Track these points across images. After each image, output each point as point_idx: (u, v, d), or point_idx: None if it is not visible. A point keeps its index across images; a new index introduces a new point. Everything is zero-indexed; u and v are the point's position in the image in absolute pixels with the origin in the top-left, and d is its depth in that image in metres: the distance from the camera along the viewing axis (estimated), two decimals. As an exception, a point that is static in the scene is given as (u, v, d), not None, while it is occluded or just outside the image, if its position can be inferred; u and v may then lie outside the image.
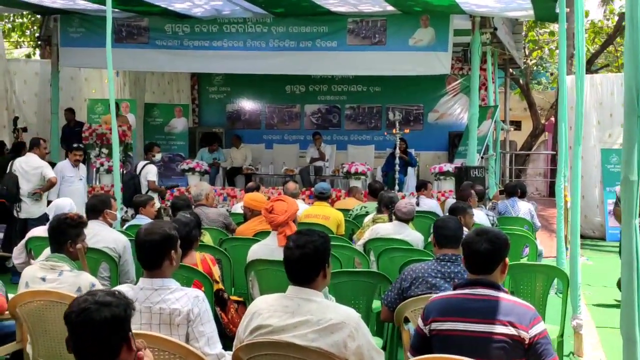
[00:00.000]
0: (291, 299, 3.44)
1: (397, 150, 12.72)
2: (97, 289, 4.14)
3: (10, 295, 4.75)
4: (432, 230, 4.83)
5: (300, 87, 17.68)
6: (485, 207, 10.53)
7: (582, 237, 8.30)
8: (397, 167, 12.74)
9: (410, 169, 14.43)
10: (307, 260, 3.47)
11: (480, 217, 8.36)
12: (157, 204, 8.57)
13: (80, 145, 11.18)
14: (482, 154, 12.83)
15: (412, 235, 6.82)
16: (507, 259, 3.56)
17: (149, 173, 10.98)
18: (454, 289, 3.56)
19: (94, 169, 12.87)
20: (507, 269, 3.57)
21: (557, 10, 9.36)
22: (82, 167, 10.86)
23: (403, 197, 11.17)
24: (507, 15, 12.98)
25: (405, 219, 6.94)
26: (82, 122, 14.15)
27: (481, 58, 12.68)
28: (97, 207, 6.11)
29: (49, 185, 9.70)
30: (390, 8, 11.71)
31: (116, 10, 11.69)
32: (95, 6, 11.95)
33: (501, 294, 3.40)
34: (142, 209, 7.63)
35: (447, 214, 7.10)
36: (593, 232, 14.12)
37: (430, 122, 17.10)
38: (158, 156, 11.51)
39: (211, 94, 18.54)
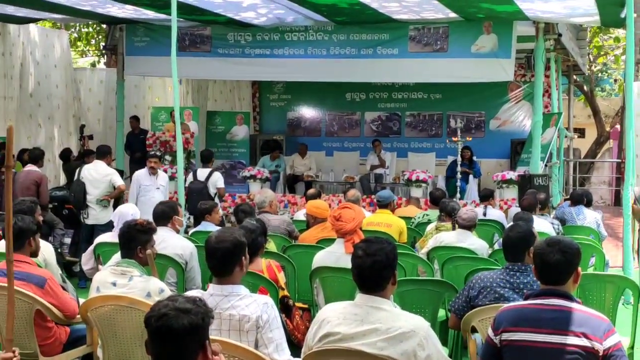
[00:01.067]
0: (360, 307, 3.44)
1: (459, 158, 12.61)
2: (168, 294, 4.22)
3: (80, 300, 4.85)
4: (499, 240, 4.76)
5: (360, 94, 17.67)
6: (549, 215, 10.36)
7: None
8: (459, 175, 12.64)
9: (472, 177, 14.28)
10: (379, 268, 3.46)
11: (545, 226, 8.24)
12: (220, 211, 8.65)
13: (156, 153, 11.02)
14: (545, 161, 12.63)
15: (477, 243, 6.75)
16: (579, 269, 3.50)
17: (218, 180, 11.08)
18: (526, 299, 3.50)
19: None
20: (580, 279, 3.51)
21: (623, 16, 9.21)
22: (162, 176, 10.45)
23: (465, 205, 11.11)
24: (573, 21, 12.79)
25: (468, 225, 6.88)
26: (146, 130, 14.40)
27: (545, 64, 12.51)
28: (166, 213, 6.21)
29: (118, 192, 9.85)
30: (452, 15, 11.64)
31: (180, 19, 11.86)
32: (161, 16, 12.15)
33: (574, 305, 3.34)
34: (208, 216, 7.71)
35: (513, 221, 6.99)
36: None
37: (492, 130, 16.91)
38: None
39: (272, 101, 18.65)
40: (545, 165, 12.69)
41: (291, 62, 13.03)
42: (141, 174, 10.34)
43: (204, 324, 2.72)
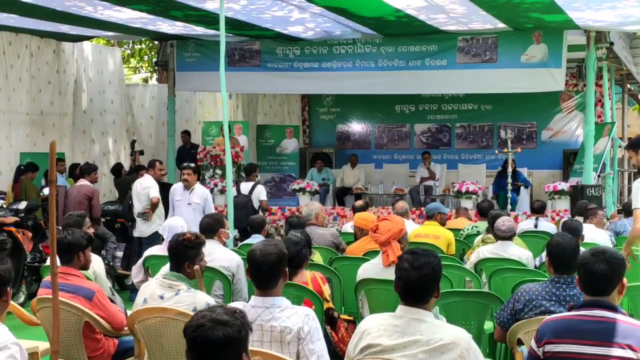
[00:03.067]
0: (401, 318, 3.42)
1: (510, 169, 12.49)
2: (218, 305, 4.27)
3: (129, 312, 4.93)
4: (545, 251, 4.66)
5: (410, 106, 17.62)
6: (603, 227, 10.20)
7: None
8: (510, 187, 12.51)
9: (523, 188, 14.09)
10: (425, 281, 3.44)
11: (601, 236, 8.11)
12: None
13: (190, 164, 10.25)
14: (598, 172, 12.44)
15: (518, 252, 6.68)
16: (624, 280, 3.44)
17: (261, 193, 11.18)
18: (569, 310, 3.46)
19: (208, 190, 13.17)
20: (625, 290, 3.45)
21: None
22: (198, 192, 9.71)
23: (516, 218, 10.99)
24: (625, 30, 12.62)
25: (506, 236, 6.80)
26: (197, 144, 14.57)
27: (597, 74, 12.34)
28: (212, 226, 6.30)
29: (152, 205, 9.98)
30: (501, 25, 11.57)
31: (229, 34, 12.01)
32: (210, 31, 12.31)
33: (619, 316, 3.28)
34: (261, 232, 7.76)
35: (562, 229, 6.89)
36: None
37: (544, 140, 16.72)
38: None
39: (321, 114, 18.73)
40: (598, 176, 12.50)
41: (339, 75, 13.08)
42: (176, 187, 9.90)
43: (241, 337, 2.72)
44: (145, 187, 10.00)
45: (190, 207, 9.47)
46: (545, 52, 11.84)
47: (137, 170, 11.36)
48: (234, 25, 11.54)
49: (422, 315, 3.41)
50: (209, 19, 11.11)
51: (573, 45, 12.10)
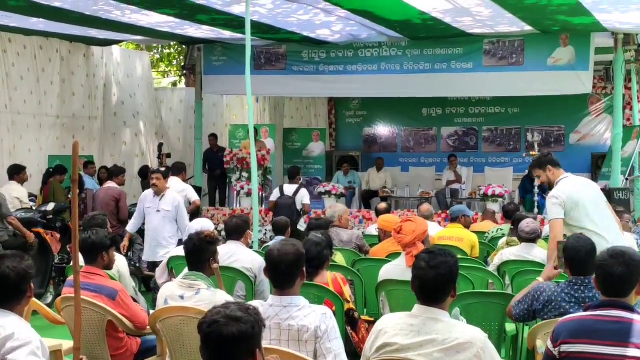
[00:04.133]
0: (417, 318, 3.44)
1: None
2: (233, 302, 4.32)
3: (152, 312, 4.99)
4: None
5: (436, 109, 17.62)
6: (630, 230, 10.10)
7: None
8: (537, 190, 12.43)
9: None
10: (442, 281, 3.46)
11: (630, 241, 8.03)
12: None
13: (160, 169, 9.54)
14: (627, 175, 12.33)
15: (542, 254, 6.62)
16: None
17: (305, 197, 11.15)
18: (586, 310, 3.46)
19: (235, 192, 13.28)
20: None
21: None
22: (169, 199, 8.82)
23: (542, 221, 10.91)
24: (653, 32, 12.48)
25: (530, 238, 6.75)
26: (224, 148, 14.66)
27: (625, 76, 12.24)
28: (241, 227, 6.38)
29: (194, 207, 10.04)
30: (528, 28, 11.53)
31: (255, 38, 12.09)
32: (237, 35, 12.39)
33: (636, 316, 3.28)
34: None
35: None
36: None
37: (572, 144, 16.61)
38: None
39: (348, 118, 18.77)
40: (627, 179, 12.39)
41: (365, 79, 13.11)
42: (147, 193, 9.14)
43: (254, 333, 2.77)
44: (180, 190, 10.02)
45: (159, 214, 8.75)
46: (573, 55, 11.78)
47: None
48: (260, 29, 11.62)
49: (438, 314, 3.43)
50: (235, 23, 11.19)
51: (601, 47, 12.02)
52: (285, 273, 3.78)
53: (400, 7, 10.06)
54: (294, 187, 11.28)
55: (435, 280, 3.45)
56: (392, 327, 3.49)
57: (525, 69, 12.17)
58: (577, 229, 5.58)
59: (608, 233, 5.67)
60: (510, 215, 8.94)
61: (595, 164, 15.49)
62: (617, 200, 10.95)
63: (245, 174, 13.19)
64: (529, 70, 12.15)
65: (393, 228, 5.62)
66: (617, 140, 11.77)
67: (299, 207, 11.05)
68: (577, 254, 4.39)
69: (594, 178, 14.62)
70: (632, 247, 7.72)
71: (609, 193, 11.24)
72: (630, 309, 3.32)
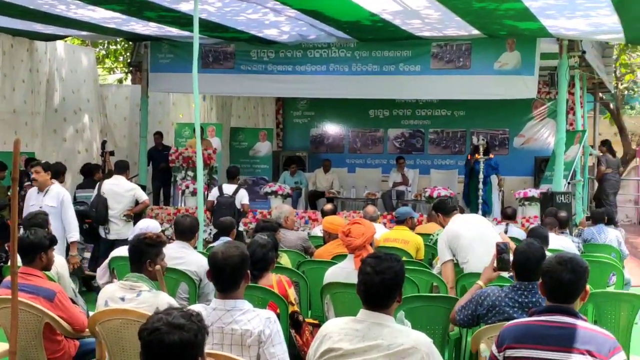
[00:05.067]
0: (362, 323, 3.42)
1: (481, 175, 12.53)
2: (175, 307, 4.24)
3: (91, 314, 4.88)
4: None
5: (384, 111, 17.70)
6: (571, 233, 10.27)
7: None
8: (481, 192, 12.55)
9: (494, 196, 14.12)
10: (387, 286, 3.44)
11: (567, 243, 8.16)
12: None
13: (40, 161, 8.98)
14: (569, 179, 12.53)
15: None
16: (588, 287, 3.46)
17: (244, 197, 11.16)
18: (530, 316, 3.46)
19: (180, 191, 13.15)
20: (588, 297, 3.46)
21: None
22: (53, 192, 8.36)
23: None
24: (597, 39, 12.71)
25: None
26: (169, 146, 14.50)
27: (569, 82, 12.43)
28: (194, 228, 6.27)
29: (142, 207, 9.93)
30: (475, 32, 11.61)
31: (203, 36, 11.96)
32: (184, 33, 12.24)
33: (579, 322, 3.30)
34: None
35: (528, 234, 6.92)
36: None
37: (516, 147, 16.86)
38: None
39: (295, 118, 18.74)
40: (569, 183, 12.58)
41: (314, 79, 13.07)
42: (31, 191, 8.64)
43: (197, 341, 2.70)
44: (129, 189, 9.88)
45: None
46: (519, 60, 11.91)
47: (111, 172, 11.24)
48: (208, 27, 11.48)
49: (383, 319, 3.41)
50: (183, 20, 11.04)
51: (546, 53, 12.16)
52: (230, 276, 3.72)
53: (350, 7, 10.04)
54: (233, 186, 11.28)
55: (381, 286, 3.43)
56: (336, 332, 3.45)
57: (472, 72, 12.26)
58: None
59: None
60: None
61: (539, 168, 15.73)
62: (559, 203, 11.12)
63: (190, 173, 13.09)
64: (475, 74, 12.23)
65: (341, 230, 5.58)
66: (560, 144, 11.94)
67: (238, 206, 11.03)
68: (527, 260, 4.41)
69: (537, 181, 14.91)
70: (572, 249, 7.90)
71: (551, 196, 11.43)
72: (574, 315, 3.33)
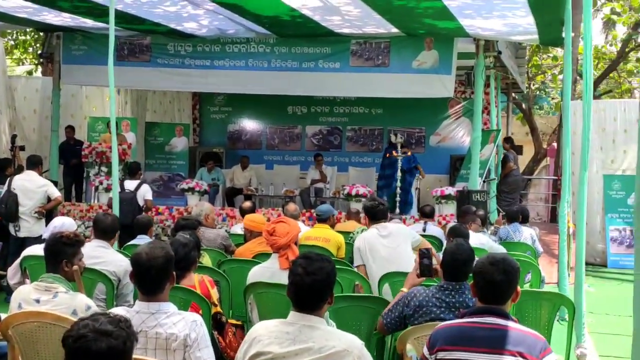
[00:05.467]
0: (293, 325, 3.33)
1: (399, 173, 12.62)
2: (95, 311, 4.06)
3: (3, 315, 4.63)
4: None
5: (302, 108, 17.67)
6: (487, 231, 10.42)
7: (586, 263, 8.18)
8: (399, 190, 12.64)
9: (412, 194, 14.24)
10: (319, 287, 3.37)
11: (485, 240, 8.27)
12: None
13: None
14: (484, 178, 12.73)
15: None
16: (519, 288, 3.46)
17: (147, 192, 11.01)
18: (462, 317, 3.44)
19: (93, 187, 12.79)
20: (519, 298, 3.46)
21: (563, 35, 9.34)
22: None
23: (404, 221, 11.10)
24: (512, 39, 12.94)
25: None
26: (81, 141, 14.09)
27: (484, 82, 12.62)
28: (115, 228, 6.03)
29: (55, 203, 9.62)
30: (394, 30, 11.67)
31: (119, 28, 11.64)
32: (99, 24, 11.90)
33: (510, 323, 3.29)
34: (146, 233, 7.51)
35: (450, 236, 6.94)
36: (595, 259, 13.96)
37: (432, 145, 17.08)
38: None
39: (212, 113, 18.50)
40: (484, 182, 12.79)
41: (232, 74, 12.88)
42: None
43: (125, 349, 2.56)
44: (40, 185, 9.57)
45: None
46: (436, 59, 12.02)
47: (21, 168, 10.85)
48: (124, 18, 11.17)
49: (314, 322, 3.33)
50: (98, 11, 10.72)
51: (463, 52, 12.31)
52: (155, 278, 3.58)
53: (270, 1, 9.93)
54: (135, 182, 11.12)
55: (312, 287, 3.36)
56: (266, 334, 3.35)
57: (390, 70, 12.31)
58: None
59: None
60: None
61: (454, 166, 15.95)
62: (475, 201, 11.29)
63: (104, 169, 12.73)
64: (394, 72, 12.29)
65: (265, 229, 5.47)
66: (476, 143, 12.11)
67: (140, 202, 10.85)
68: (455, 261, 4.41)
69: (452, 179, 15.11)
70: (490, 245, 8.02)
71: (467, 195, 11.60)
72: (505, 316, 3.33)
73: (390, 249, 6.32)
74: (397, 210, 12.37)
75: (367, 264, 6.24)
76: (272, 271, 5.25)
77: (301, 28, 11.62)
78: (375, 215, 6.78)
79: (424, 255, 4.85)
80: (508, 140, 16.16)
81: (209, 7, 10.54)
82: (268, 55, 12.70)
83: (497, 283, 3.36)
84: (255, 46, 12.72)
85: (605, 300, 10.35)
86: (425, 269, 4.80)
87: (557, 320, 7.00)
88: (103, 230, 5.97)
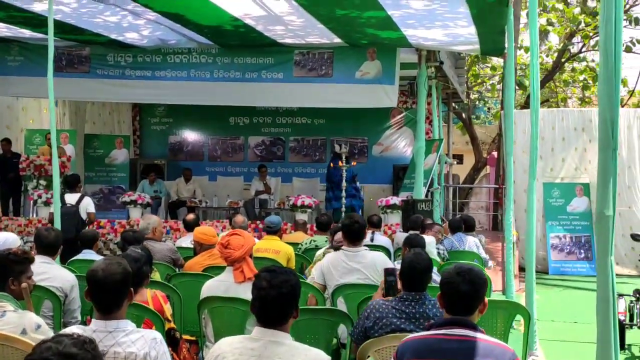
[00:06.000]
0: (257, 341, 3.24)
1: (344, 184, 12.62)
2: (46, 329, 3.92)
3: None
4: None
5: (244, 118, 17.57)
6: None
7: (524, 270, 8.29)
8: (344, 201, 12.63)
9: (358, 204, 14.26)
10: (284, 301, 3.28)
11: (433, 249, 8.29)
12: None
13: None
14: (427, 187, 12.81)
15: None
16: (486, 299, 3.43)
17: (89, 205, 10.80)
18: (429, 329, 3.40)
19: (31, 201, 12.46)
20: (486, 309, 3.44)
21: (506, 45, 9.48)
22: None
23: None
24: (454, 49, 13.09)
25: None
26: (18, 153, 13.71)
27: (426, 92, 12.72)
28: (58, 242, 5.84)
29: None
30: (337, 40, 11.68)
31: (57, 38, 11.39)
32: (37, 34, 11.63)
33: (478, 334, 3.26)
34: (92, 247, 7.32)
35: (406, 246, 6.89)
36: (536, 266, 14.09)
37: (375, 155, 17.15)
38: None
39: (153, 125, 18.27)
40: (428, 191, 12.88)
41: (173, 85, 12.72)
42: None
43: None
44: None
45: None
46: (379, 69, 12.07)
47: None
48: (62, 28, 10.95)
49: (279, 337, 3.25)
50: (35, 21, 10.49)
51: (405, 63, 12.40)
52: (112, 295, 3.44)
53: (212, 11, 9.83)
54: (76, 195, 10.87)
55: (278, 300, 3.28)
56: (230, 351, 3.26)
57: (334, 81, 12.33)
58: None
59: None
60: (324, 226, 8.99)
61: (397, 176, 16.01)
62: (420, 211, 11.33)
63: (42, 182, 12.42)
64: (337, 82, 12.31)
65: (219, 242, 5.35)
66: (420, 153, 12.19)
67: (83, 216, 10.63)
68: (413, 269, 4.37)
69: (395, 189, 15.17)
70: (436, 257, 8.04)
71: (412, 204, 11.64)
72: (474, 327, 3.29)
73: (358, 279, 6.06)
74: (343, 220, 12.34)
75: (328, 284, 6.07)
76: (226, 285, 5.13)
77: (244, 38, 11.55)
78: (349, 234, 6.07)
79: (389, 273, 4.80)
80: None
81: (150, 17, 10.40)
82: (210, 66, 12.60)
83: (463, 293, 3.33)
84: (197, 56, 12.61)
85: (550, 307, 10.48)
86: (390, 288, 4.75)
87: (513, 328, 7.04)
88: (47, 245, 5.79)
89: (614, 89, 3.26)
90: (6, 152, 13.97)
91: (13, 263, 4.32)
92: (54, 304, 5.40)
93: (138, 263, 4.82)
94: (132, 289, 3.56)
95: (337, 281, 5.93)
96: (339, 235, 6.78)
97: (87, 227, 10.29)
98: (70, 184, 11.19)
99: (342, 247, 6.14)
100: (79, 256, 7.28)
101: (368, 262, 5.95)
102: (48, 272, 5.50)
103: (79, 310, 5.52)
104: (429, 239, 9.02)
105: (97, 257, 6.82)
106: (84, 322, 5.28)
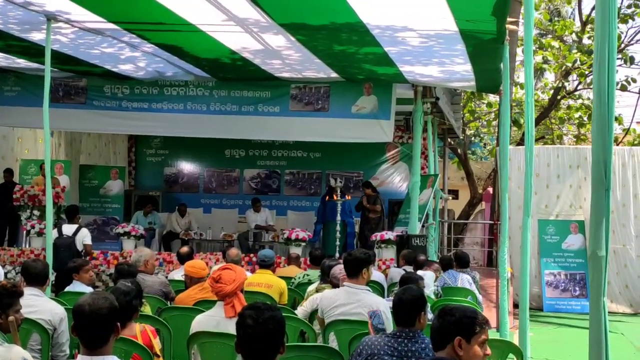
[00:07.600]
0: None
1: (339, 217, 12.58)
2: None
3: None
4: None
5: (240, 151, 17.58)
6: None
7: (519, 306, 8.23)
8: (338, 235, 12.59)
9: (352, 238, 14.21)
10: (271, 337, 3.24)
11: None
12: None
13: None
14: (422, 222, 12.78)
15: None
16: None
17: (86, 237, 10.81)
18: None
19: (25, 232, 12.41)
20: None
21: (502, 82, 9.52)
22: None
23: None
24: (450, 86, 13.12)
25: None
26: (15, 183, 13.69)
27: (422, 127, 12.75)
28: (45, 274, 5.79)
29: None
30: (334, 75, 11.72)
31: (54, 69, 11.42)
32: (33, 65, 11.65)
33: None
34: (76, 275, 7.24)
35: (400, 283, 6.86)
36: (531, 303, 14.03)
37: (370, 190, 17.08)
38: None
39: (148, 156, 18.26)
40: (423, 226, 12.84)
41: (170, 117, 12.73)
42: None
43: None
44: None
45: None
46: (375, 104, 12.11)
47: None
48: (59, 59, 10.96)
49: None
50: (32, 51, 10.49)
51: (401, 98, 12.45)
52: (98, 331, 3.39)
53: (211, 44, 9.85)
54: (74, 226, 10.90)
55: (264, 337, 3.23)
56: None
57: (330, 115, 12.34)
58: None
59: None
60: (317, 261, 8.93)
61: (392, 210, 15.98)
62: (414, 246, 11.29)
63: (36, 212, 12.36)
64: (333, 116, 12.32)
65: (210, 276, 5.30)
66: (415, 188, 12.18)
67: (79, 247, 10.61)
68: (399, 300, 4.34)
69: (391, 224, 15.11)
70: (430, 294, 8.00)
71: (407, 239, 11.60)
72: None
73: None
74: (337, 255, 12.29)
75: (325, 315, 6.00)
76: (217, 320, 5.07)
77: (241, 71, 11.58)
78: (348, 268, 5.98)
79: (373, 316, 4.77)
80: (368, 184, 15.58)
81: (147, 49, 10.43)
82: (207, 99, 12.62)
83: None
84: (194, 89, 12.64)
85: (544, 344, 10.42)
86: (377, 331, 4.71)
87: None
88: (35, 276, 5.73)
89: (607, 128, 3.25)
90: (8, 182, 13.94)
91: (1, 296, 4.28)
92: (42, 337, 5.34)
93: (128, 297, 4.79)
94: (118, 323, 3.51)
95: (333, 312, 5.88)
96: (335, 270, 6.75)
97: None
98: (69, 214, 11.19)
99: (344, 283, 6.06)
100: (69, 288, 7.22)
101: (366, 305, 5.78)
102: (36, 304, 5.44)
103: (67, 344, 5.45)
104: (429, 274, 9.03)
105: (87, 289, 6.79)
106: (72, 356, 5.21)
